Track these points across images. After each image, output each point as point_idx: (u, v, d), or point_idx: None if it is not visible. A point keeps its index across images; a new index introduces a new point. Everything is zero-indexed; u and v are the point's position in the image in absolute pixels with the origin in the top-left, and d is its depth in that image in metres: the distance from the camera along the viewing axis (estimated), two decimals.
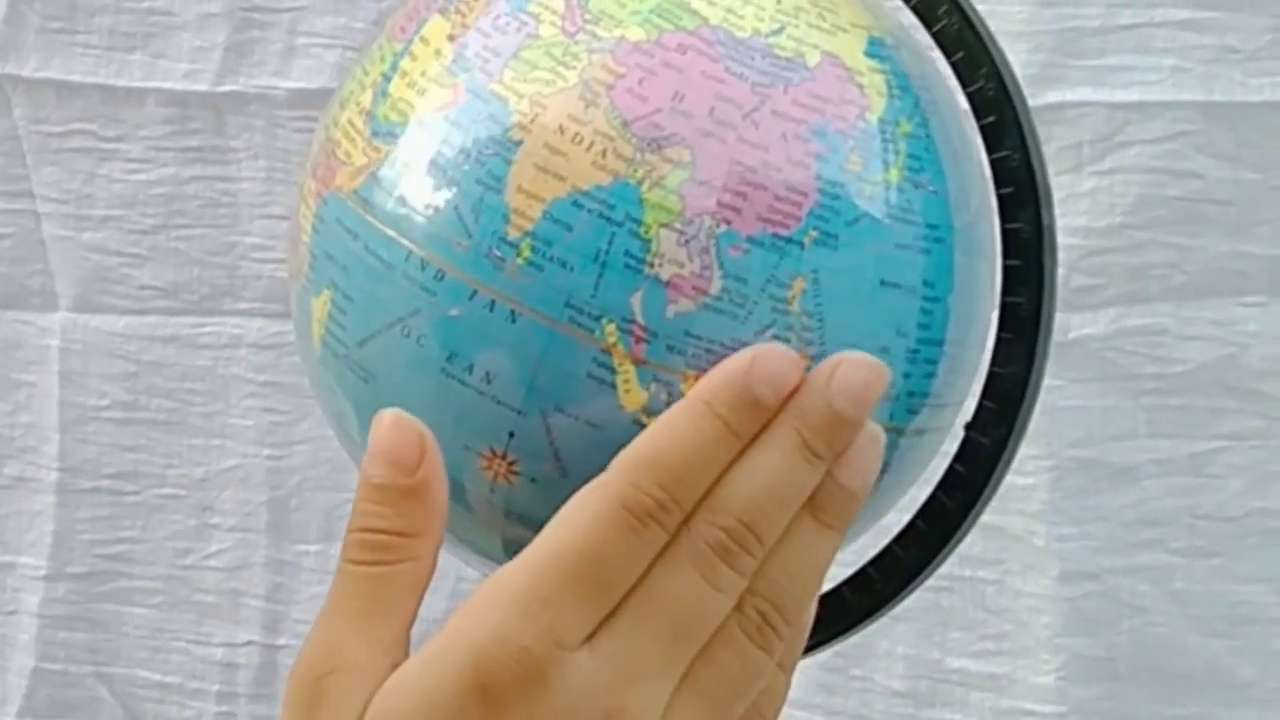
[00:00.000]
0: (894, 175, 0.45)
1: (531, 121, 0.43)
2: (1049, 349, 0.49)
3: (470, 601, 0.43)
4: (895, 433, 0.47)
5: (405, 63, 0.46)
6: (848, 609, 0.50)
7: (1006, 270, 0.49)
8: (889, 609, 0.51)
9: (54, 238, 0.91)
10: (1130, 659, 0.82)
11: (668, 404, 0.43)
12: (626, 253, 0.43)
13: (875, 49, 0.46)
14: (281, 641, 0.92)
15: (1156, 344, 0.81)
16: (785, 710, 0.87)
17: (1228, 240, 0.80)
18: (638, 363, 0.43)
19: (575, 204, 0.43)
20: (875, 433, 0.44)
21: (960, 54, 0.48)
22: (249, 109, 0.88)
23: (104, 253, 0.90)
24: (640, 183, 0.43)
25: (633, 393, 0.44)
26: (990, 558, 0.82)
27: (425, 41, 0.46)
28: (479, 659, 0.42)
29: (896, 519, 0.51)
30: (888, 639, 0.84)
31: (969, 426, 0.49)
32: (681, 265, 0.43)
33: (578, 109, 0.43)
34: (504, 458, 0.44)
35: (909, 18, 0.49)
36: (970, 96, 0.49)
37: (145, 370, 0.91)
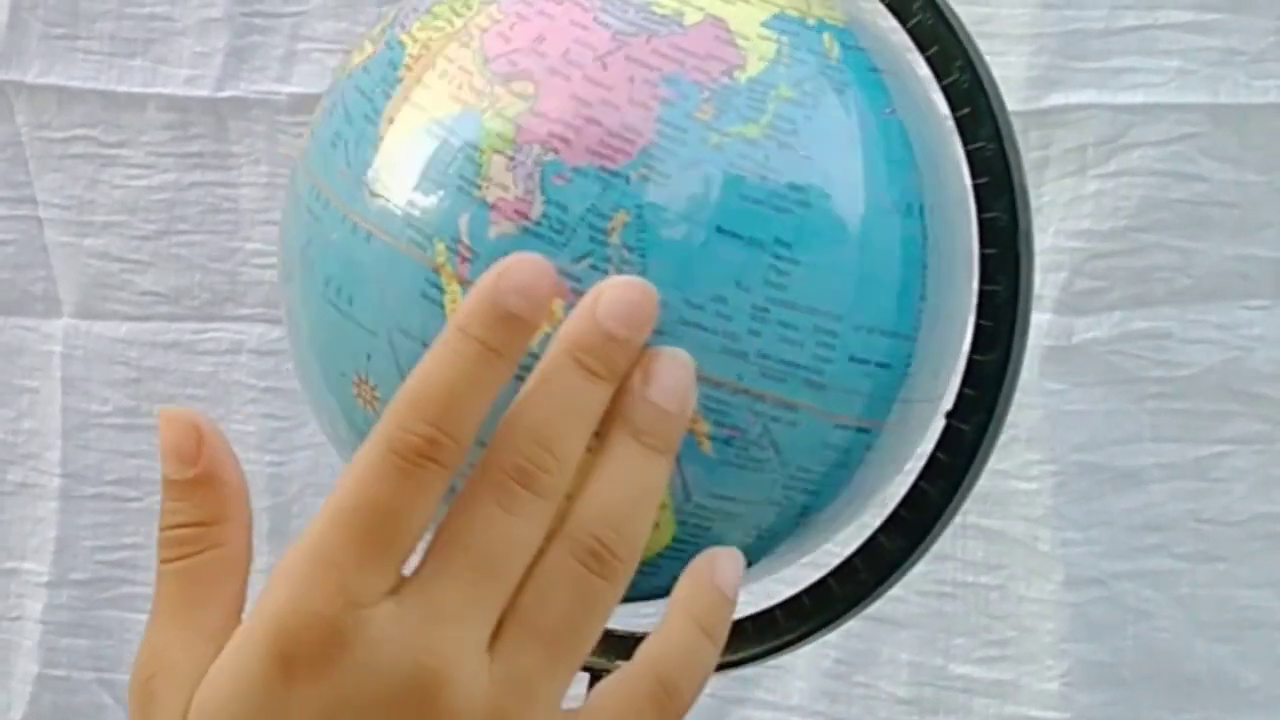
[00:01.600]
0: (752, 131, 0.44)
1: (415, 61, 0.46)
2: (1027, 335, 0.49)
3: (270, 577, 0.43)
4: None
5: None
6: (833, 599, 0.50)
7: (984, 258, 0.49)
8: (874, 599, 0.51)
9: (56, 244, 0.91)
10: (1135, 664, 0.82)
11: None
12: (461, 176, 0.45)
13: (788, 24, 0.46)
14: None
15: (1161, 348, 0.81)
16: (790, 718, 0.87)
17: (1232, 243, 0.80)
18: (462, 282, 0.44)
19: (427, 132, 0.45)
20: (678, 354, 0.43)
21: (934, 48, 0.49)
22: (250, 114, 0.88)
23: (106, 259, 0.90)
24: (484, 112, 0.45)
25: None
26: (994, 563, 0.82)
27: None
28: (277, 632, 0.42)
29: (879, 509, 0.51)
30: (891, 645, 0.84)
31: (949, 414, 0.49)
32: (507, 189, 0.44)
33: (453, 50, 0.45)
34: (366, 382, 0.46)
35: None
36: (945, 90, 0.49)
37: (147, 376, 0.91)
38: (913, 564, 0.50)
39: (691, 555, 0.46)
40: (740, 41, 0.45)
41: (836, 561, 0.51)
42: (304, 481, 0.91)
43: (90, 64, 0.89)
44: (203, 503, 0.45)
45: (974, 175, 0.49)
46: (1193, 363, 0.81)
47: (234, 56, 0.87)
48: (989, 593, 0.83)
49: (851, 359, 0.45)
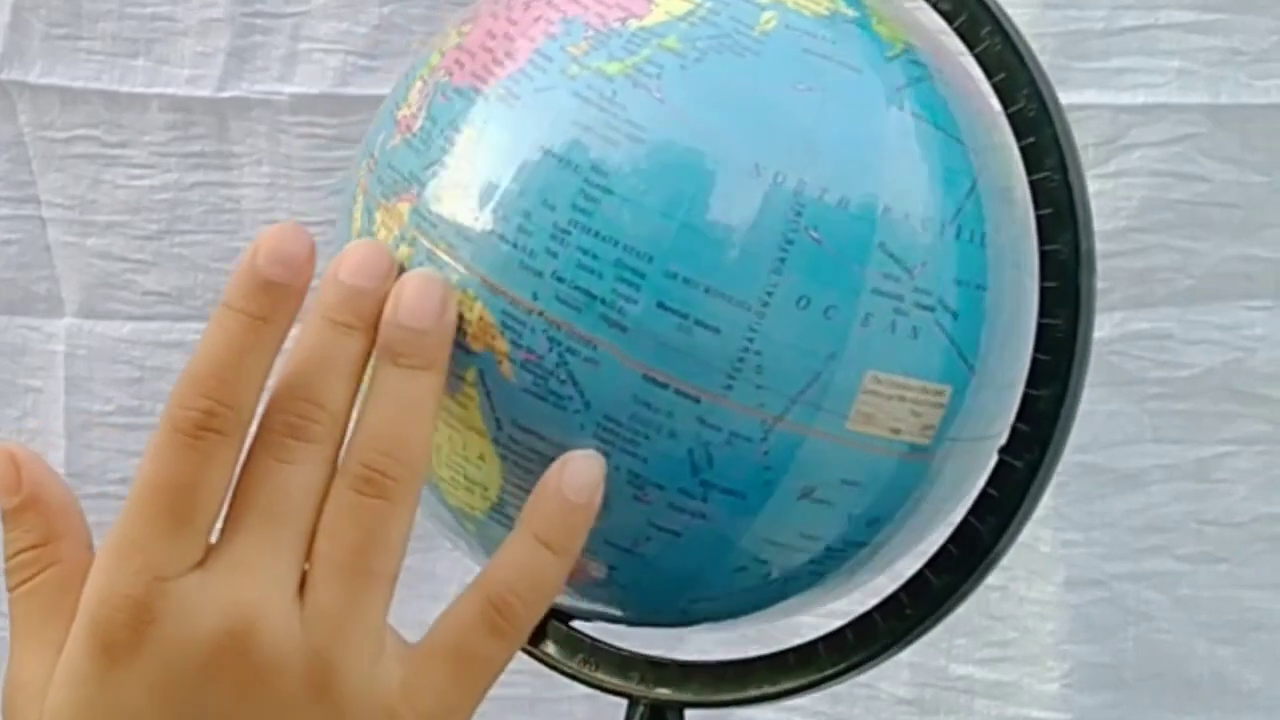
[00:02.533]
0: (613, 68, 0.45)
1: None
2: (1085, 371, 0.48)
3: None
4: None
5: None
6: (878, 633, 0.50)
7: (1044, 292, 0.48)
8: (920, 634, 0.50)
9: (59, 244, 0.91)
10: (1136, 666, 0.81)
11: (371, 234, 0.47)
12: (394, 102, 0.49)
13: None
14: None
15: (1162, 348, 0.80)
16: (792, 718, 0.87)
17: (1233, 244, 0.79)
18: (365, 192, 0.48)
19: (403, 78, 0.49)
20: (423, 272, 0.45)
21: (1002, 75, 0.48)
22: (252, 114, 0.88)
23: (109, 258, 0.90)
24: (433, 50, 0.49)
25: (357, 221, 0.48)
26: None
27: None
28: (94, 623, 0.44)
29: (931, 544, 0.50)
30: None
31: (1002, 450, 0.48)
32: (410, 107, 0.48)
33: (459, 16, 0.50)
34: None
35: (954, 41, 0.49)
36: (1011, 117, 0.48)
37: (150, 376, 0.91)
38: (960, 601, 0.49)
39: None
40: (659, 1, 0.46)
41: (882, 597, 0.50)
42: None
43: (92, 64, 0.89)
44: (33, 526, 0.47)
45: (1037, 206, 0.48)
46: (1194, 363, 0.80)
47: (235, 57, 0.87)
48: (990, 594, 0.82)
49: (660, 305, 0.44)
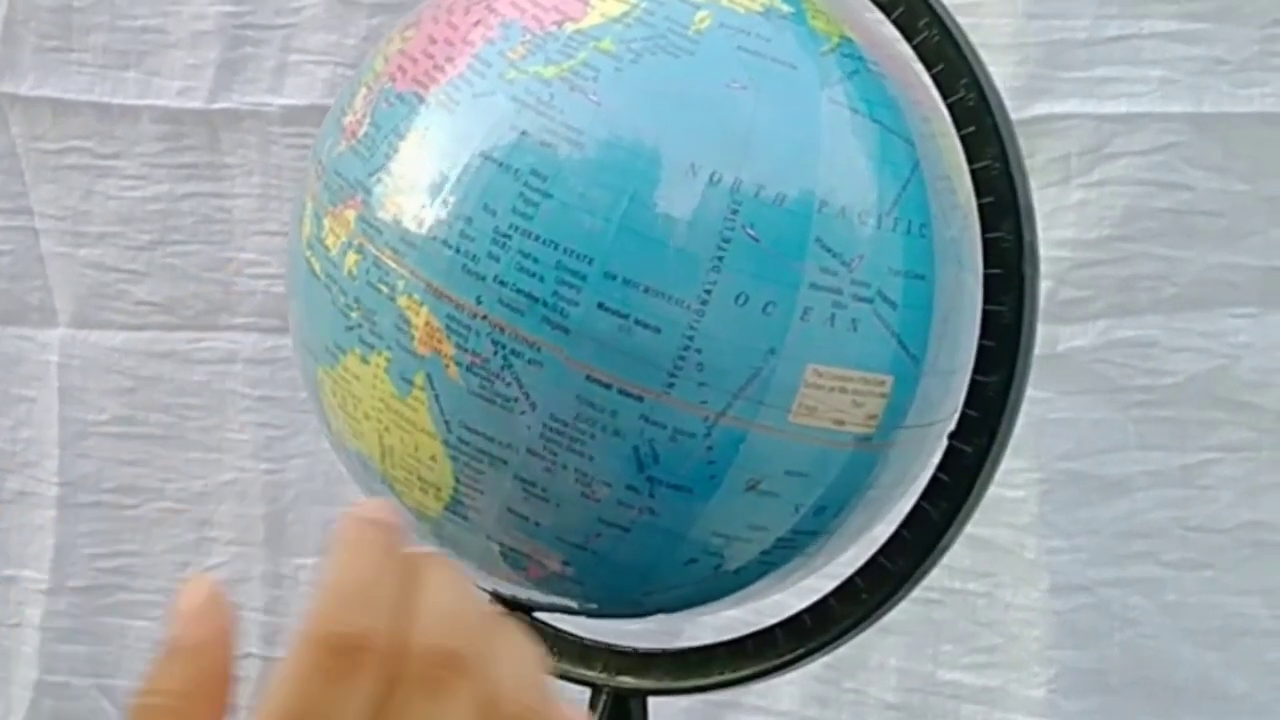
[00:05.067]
0: (549, 71, 0.45)
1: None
2: (1031, 358, 0.49)
3: None
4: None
5: None
6: (835, 618, 0.51)
7: (988, 279, 0.49)
8: (876, 618, 0.51)
9: (52, 254, 0.91)
10: (1122, 671, 0.82)
11: (320, 240, 0.48)
12: (340, 108, 0.49)
13: None
14: (280, 654, 0.92)
15: (1146, 356, 0.81)
16: None
17: (1217, 251, 0.80)
18: (314, 199, 0.49)
19: (349, 84, 0.50)
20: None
21: (940, 66, 0.49)
22: (242, 126, 0.88)
23: (101, 269, 0.91)
24: (376, 55, 0.49)
25: (306, 227, 0.49)
26: (980, 571, 0.82)
27: None
28: None
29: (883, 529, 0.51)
30: (879, 652, 0.84)
31: (952, 435, 0.49)
32: (355, 114, 0.48)
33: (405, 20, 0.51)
34: None
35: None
36: (951, 107, 0.49)
37: (143, 385, 0.92)
38: (914, 584, 0.50)
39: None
40: (595, 1, 0.46)
41: (838, 582, 0.51)
42: (299, 489, 0.91)
43: (84, 76, 0.89)
44: (185, 674, 0.43)
45: (979, 194, 0.49)
46: (1178, 371, 0.80)
47: (226, 68, 0.88)
48: (976, 600, 0.83)
49: (601, 306, 0.44)
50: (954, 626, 0.83)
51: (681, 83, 0.45)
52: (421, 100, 0.47)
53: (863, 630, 0.51)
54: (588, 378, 0.45)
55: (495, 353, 0.45)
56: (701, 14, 0.46)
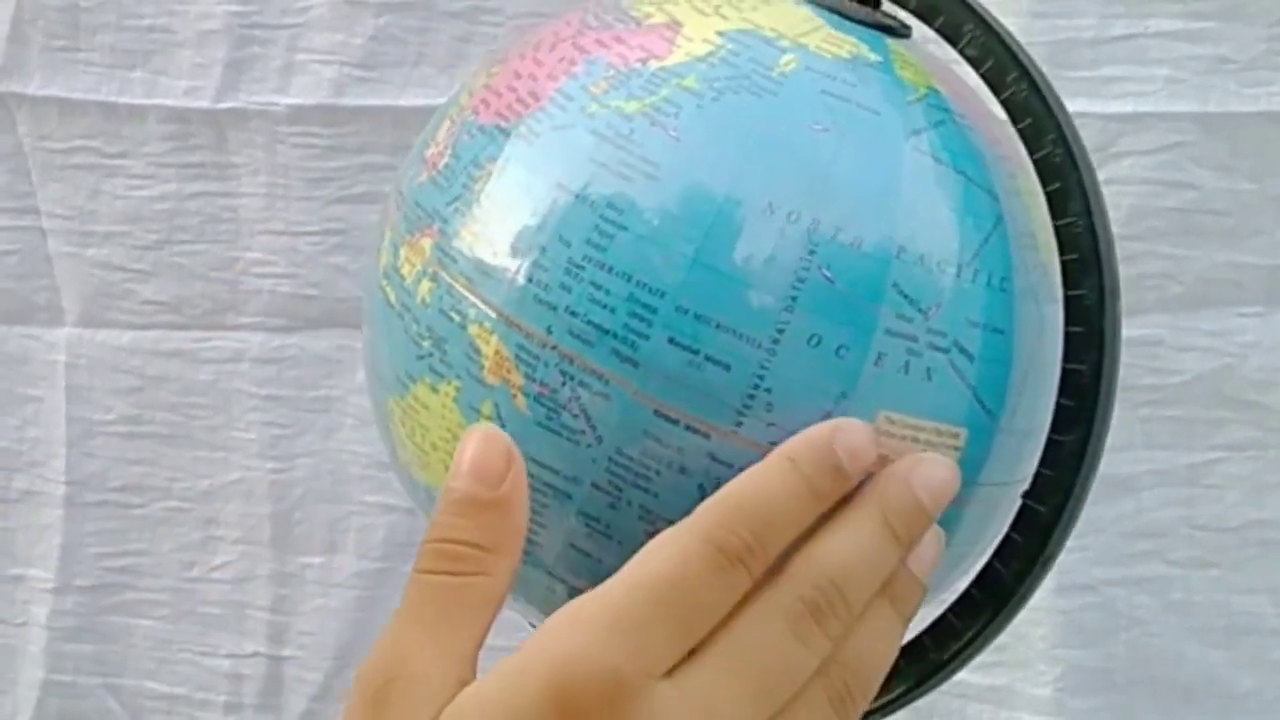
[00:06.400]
0: (631, 107, 0.45)
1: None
2: (1109, 418, 0.48)
3: (549, 623, 0.43)
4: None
5: None
6: (901, 676, 0.50)
7: (1068, 336, 0.48)
8: (942, 678, 0.50)
9: (59, 254, 0.91)
10: (1128, 670, 0.82)
11: (396, 270, 0.48)
12: (424, 141, 0.50)
13: (748, 38, 0.46)
14: (286, 653, 0.92)
15: (1153, 355, 0.81)
16: None
17: (1223, 251, 0.80)
18: (392, 229, 0.49)
19: (434, 117, 0.50)
20: (939, 533, 0.45)
21: (1028, 120, 0.48)
22: (249, 125, 0.88)
23: (108, 268, 0.91)
24: (461, 91, 0.49)
25: (384, 256, 0.49)
26: None
27: None
28: (562, 675, 0.42)
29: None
30: None
31: (1026, 495, 0.48)
32: (438, 145, 0.48)
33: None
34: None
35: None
36: (1037, 163, 0.48)
37: (150, 385, 0.92)
38: (983, 645, 0.49)
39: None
40: (681, 41, 0.46)
41: (906, 640, 0.49)
42: (305, 488, 0.91)
43: (91, 76, 0.89)
44: (487, 526, 0.44)
45: (1062, 251, 0.48)
46: (1185, 370, 0.80)
47: (233, 68, 0.88)
48: None
49: (671, 341, 0.44)
50: None
51: (763, 122, 0.45)
52: (503, 132, 0.47)
53: (930, 690, 0.50)
54: (655, 412, 0.44)
55: (563, 384, 0.45)
56: (787, 57, 0.46)
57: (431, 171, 0.48)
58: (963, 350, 0.45)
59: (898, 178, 0.45)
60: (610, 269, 0.44)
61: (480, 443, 0.45)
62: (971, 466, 0.46)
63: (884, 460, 0.45)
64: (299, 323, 0.90)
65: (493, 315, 0.45)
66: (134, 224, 0.90)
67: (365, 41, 0.86)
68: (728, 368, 0.44)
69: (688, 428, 0.44)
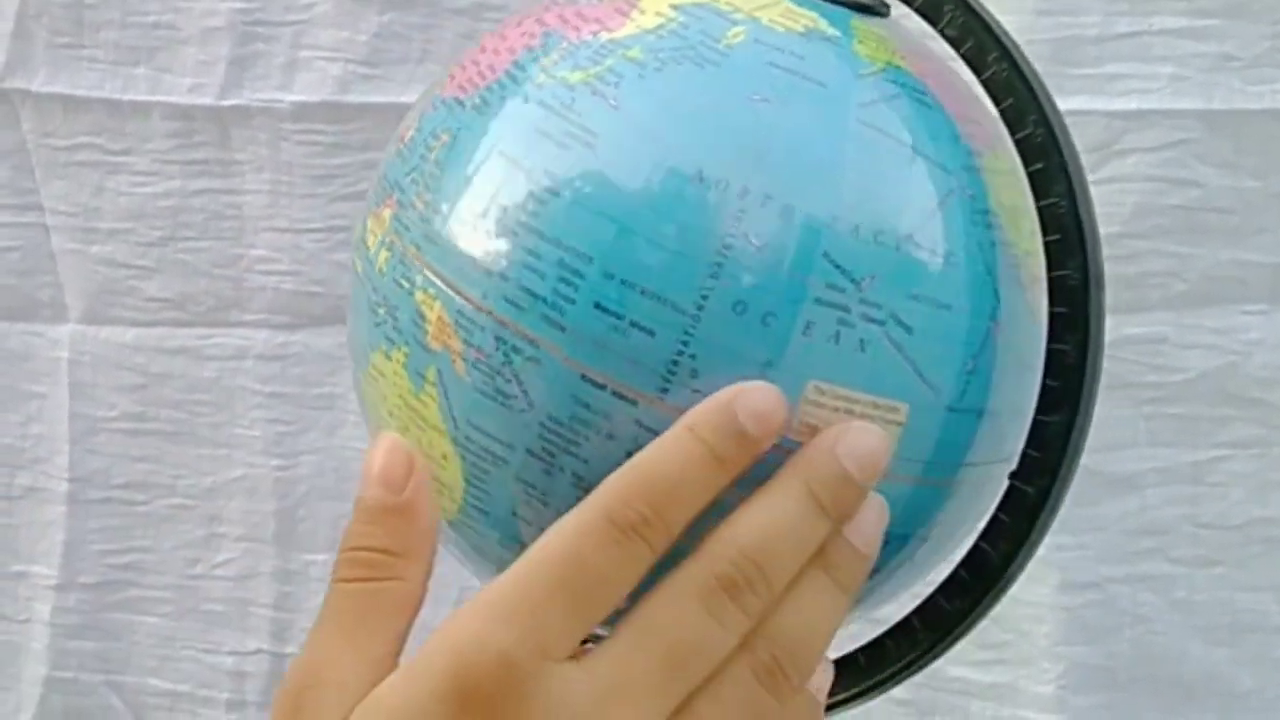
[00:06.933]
0: (575, 77, 0.46)
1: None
2: (1095, 398, 0.48)
3: (454, 613, 0.43)
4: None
5: None
6: (890, 659, 0.50)
7: (1053, 317, 0.48)
8: (931, 659, 0.50)
9: (63, 250, 0.91)
10: (1131, 668, 0.82)
11: (363, 241, 0.48)
12: (403, 120, 0.50)
13: (700, 10, 0.46)
14: (290, 650, 0.92)
15: (1156, 352, 0.81)
16: None
17: (1228, 248, 0.80)
18: (366, 203, 0.50)
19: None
20: (880, 501, 0.44)
21: (1009, 101, 0.48)
22: (253, 122, 0.88)
23: (112, 265, 0.91)
24: (445, 73, 0.50)
25: (356, 231, 0.50)
26: None
27: None
28: (459, 664, 0.42)
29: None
30: None
31: (1013, 475, 0.48)
32: (408, 121, 0.49)
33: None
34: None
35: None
36: (1019, 143, 0.48)
37: (153, 381, 0.92)
38: (971, 626, 0.49)
39: None
40: (635, 14, 0.46)
41: (894, 622, 0.50)
42: (309, 485, 0.91)
43: (95, 72, 0.89)
44: (396, 532, 0.45)
45: (1046, 232, 0.48)
46: (1189, 368, 0.80)
47: (236, 65, 0.88)
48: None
49: (598, 307, 0.44)
50: None
51: (702, 92, 0.45)
52: (460, 105, 0.47)
53: (918, 671, 0.50)
54: (583, 378, 0.44)
55: (498, 349, 0.45)
56: (737, 30, 0.46)
57: (399, 145, 0.49)
58: (901, 323, 0.44)
59: (837, 148, 0.45)
60: (542, 235, 0.44)
61: (385, 451, 0.45)
62: (919, 442, 0.45)
63: (815, 432, 0.44)
64: (303, 320, 0.90)
65: (437, 281, 0.46)
66: (138, 221, 0.90)
67: (369, 38, 0.86)
68: (652, 334, 0.44)
69: (614, 394, 0.44)
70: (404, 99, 0.86)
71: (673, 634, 0.43)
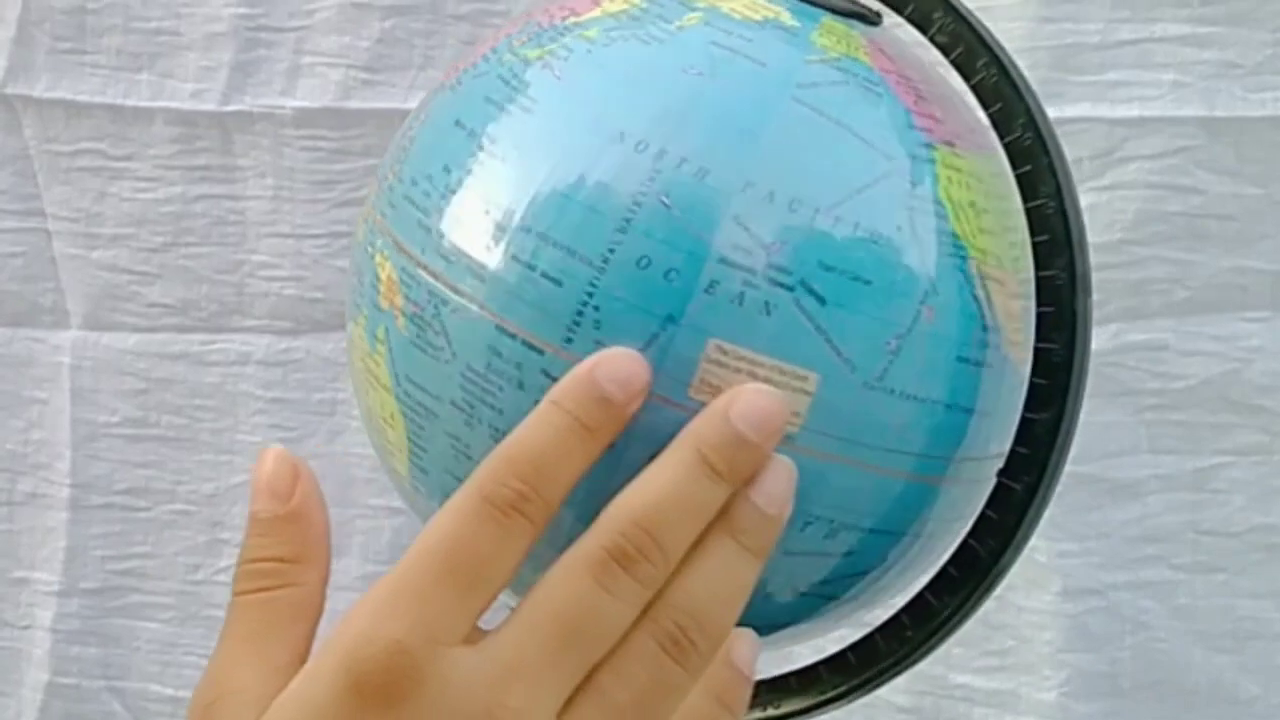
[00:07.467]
0: (533, 53, 0.48)
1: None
2: (1082, 395, 0.48)
3: (348, 610, 0.44)
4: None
5: None
6: (879, 655, 0.50)
7: (1041, 316, 0.48)
8: (921, 656, 0.50)
9: (65, 256, 0.91)
10: (1133, 675, 0.82)
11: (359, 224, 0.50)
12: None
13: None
14: None
15: (1158, 359, 0.81)
16: None
17: (1229, 255, 0.80)
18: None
19: None
20: (786, 462, 0.44)
21: (998, 105, 0.49)
22: (255, 128, 0.88)
23: (114, 271, 0.91)
24: None
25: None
26: None
27: None
28: (352, 659, 0.42)
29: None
30: None
31: (1001, 472, 0.49)
32: (408, 123, 0.51)
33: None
34: None
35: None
36: (1008, 147, 0.49)
37: (155, 387, 0.92)
38: (961, 622, 0.50)
39: None
40: (605, 2, 0.48)
41: (884, 619, 0.50)
42: None
43: (97, 78, 0.89)
44: (287, 540, 0.46)
45: (1034, 233, 0.49)
46: (1190, 374, 0.81)
47: (239, 71, 0.88)
48: (988, 603, 0.83)
49: (513, 257, 0.45)
50: (965, 630, 0.83)
51: (639, 66, 0.47)
52: (445, 88, 0.49)
53: (908, 668, 0.51)
54: (497, 327, 0.45)
55: (429, 301, 0.46)
56: (693, 15, 0.47)
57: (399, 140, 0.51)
58: (812, 292, 0.45)
59: (764, 121, 0.46)
60: (473, 190, 0.46)
61: (270, 462, 0.46)
62: (833, 416, 0.45)
63: (718, 393, 0.45)
64: (305, 326, 0.90)
65: (391, 243, 0.47)
66: (140, 226, 0.90)
67: (371, 44, 0.86)
68: (559, 284, 0.45)
69: (524, 343, 0.45)
70: (406, 105, 0.86)
71: (565, 609, 0.43)
